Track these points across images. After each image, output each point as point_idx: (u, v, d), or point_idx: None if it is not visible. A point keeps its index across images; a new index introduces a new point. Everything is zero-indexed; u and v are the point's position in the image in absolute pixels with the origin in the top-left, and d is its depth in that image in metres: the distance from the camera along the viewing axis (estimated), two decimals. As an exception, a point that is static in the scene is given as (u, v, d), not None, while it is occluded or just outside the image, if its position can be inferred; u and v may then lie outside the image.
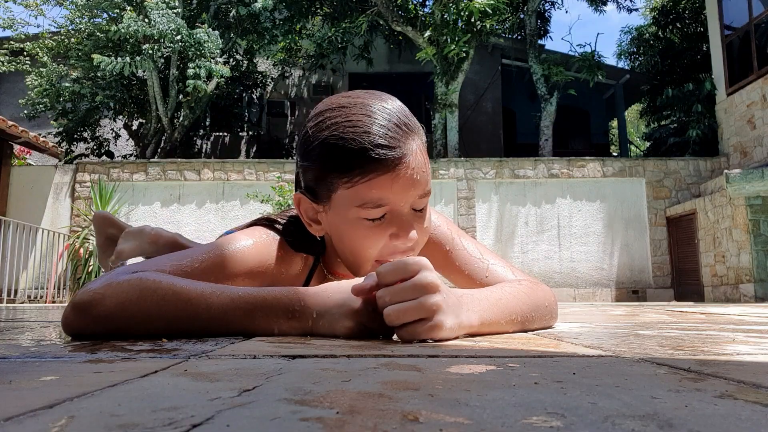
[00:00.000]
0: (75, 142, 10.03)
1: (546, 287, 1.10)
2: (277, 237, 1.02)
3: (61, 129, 9.73)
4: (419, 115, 13.19)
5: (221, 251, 0.95)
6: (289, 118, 12.92)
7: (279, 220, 1.07)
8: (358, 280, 0.82)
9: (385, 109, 0.90)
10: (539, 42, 11.03)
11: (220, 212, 8.15)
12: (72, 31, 10.09)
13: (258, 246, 0.99)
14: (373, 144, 0.86)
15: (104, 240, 1.75)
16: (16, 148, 8.60)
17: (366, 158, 0.85)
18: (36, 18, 15.14)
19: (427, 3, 10.59)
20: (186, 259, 0.92)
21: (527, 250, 8.11)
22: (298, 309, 0.83)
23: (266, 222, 1.06)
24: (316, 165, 0.92)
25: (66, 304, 1.04)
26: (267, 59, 11.52)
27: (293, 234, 1.04)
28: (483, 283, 1.07)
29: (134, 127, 10.61)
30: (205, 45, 8.54)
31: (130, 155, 10.51)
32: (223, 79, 9.43)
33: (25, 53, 10.42)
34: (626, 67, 13.03)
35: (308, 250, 1.05)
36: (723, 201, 6.81)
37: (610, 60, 16.67)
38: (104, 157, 10.01)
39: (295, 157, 1.01)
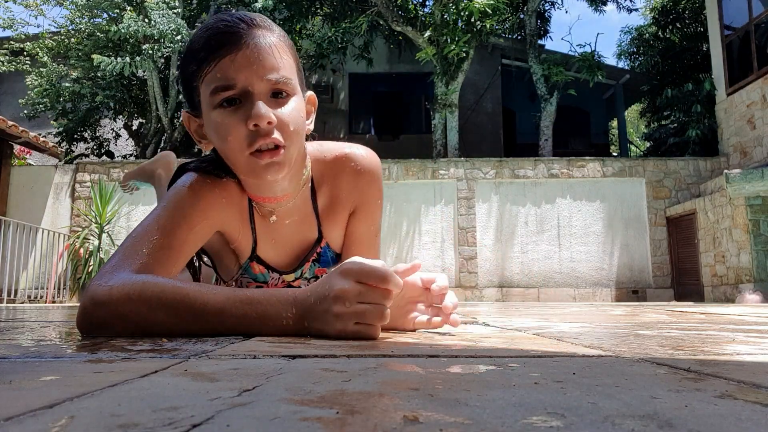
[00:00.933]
0: (75, 142, 10.03)
1: None
2: (197, 174, 1.05)
3: (61, 129, 9.72)
4: (419, 115, 13.21)
5: (164, 219, 0.98)
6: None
7: (189, 161, 1.11)
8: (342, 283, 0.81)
9: (235, 14, 0.97)
10: (539, 42, 11.03)
11: (220, 212, 8.14)
12: (72, 31, 10.10)
13: (187, 189, 1.02)
14: (213, 35, 0.93)
15: (143, 171, 2.09)
16: (16, 148, 8.60)
17: (209, 48, 0.92)
18: (36, 18, 15.15)
19: (427, 3, 10.59)
20: (144, 248, 0.94)
21: (527, 250, 8.11)
22: (291, 312, 0.84)
23: (180, 171, 1.10)
24: (181, 77, 1.00)
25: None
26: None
27: (212, 164, 1.07)
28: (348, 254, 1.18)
29: (134, 127, 10.61)
30: (205, 45, 8.53)
31: (131, 155, 10.50)
32: (223, 79, 9.43)
33: (25, 53, 10.43)
34: (626, 67, 13.03)
35: (232, 174, 1.08)
36: (723, 201, 6.81)
37: (610, 60, 16.68)
38: (104, 157, 10.01)
39: None
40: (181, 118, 1.12)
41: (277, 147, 0.93)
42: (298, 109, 0.98)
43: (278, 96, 0.95)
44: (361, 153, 1.17)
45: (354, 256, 1.12)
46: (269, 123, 0.91)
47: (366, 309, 0.78)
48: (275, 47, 0.95)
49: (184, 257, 1.00)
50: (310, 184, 1.14)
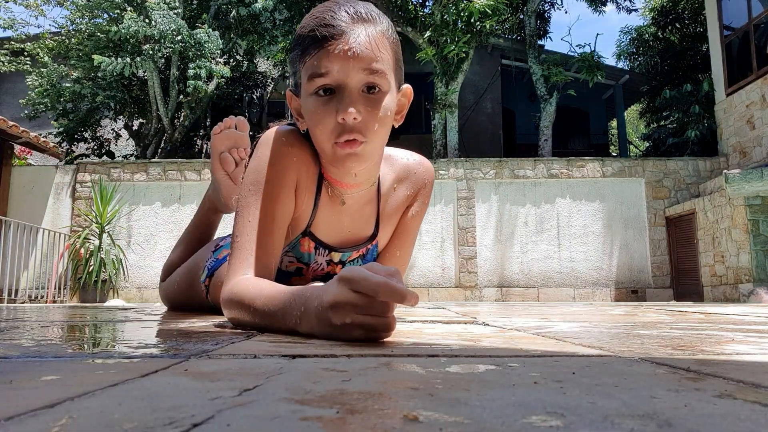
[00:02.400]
0: (75, 143, 10.02)
1: None
2: (286, 127, 1.16)
3: (61, 129, 9.72)
4: (419, 115, 13.20)
5: (259, 163, 1.10)
6: (290, 118, 12.92)
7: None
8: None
9: (343, 3, 1.02)
10: (539, 42, 11.03)
11: (220, 212, 8.13)
12: (72, 32, 10.09)
13: (276, 135, 1.12)
14: (318, 25, 0.99)
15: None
16: (17, 148, 8.60)
17: (312, 37, 0.98)
18: (36, 18, 15.15)
19: (427, 3, 10.59)
20: (247, 243, 1.05)
21: (527, 250, 8.11)
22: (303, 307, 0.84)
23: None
24: (288, 57, 1.07)
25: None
26: (267, 60, 11.52)
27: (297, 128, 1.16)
28: (388, 258, 1.31)
29: (135, 128, 10.61)
30: (206, 45, 8.54)
31: (131, 155, 10.50)
32: (223, 79, 9.43)
33: (25, 53, 10.43)
34: (626, 68, 13.03)
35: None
36: (722, 201, 6.81)
37: (610, 60, 16.70)
38: (105, 158, 10.01)
39: None
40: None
41: (356, 140, 1.00)
42: (387, 106, 1.03)
43: (371, 90, 1.00)
44: (428, 164, 1.30)
45: (390, 255, 1.26)
46: (355, 119, 0.97)
47: (369, 321, 0.75)
48: (375, 42, 1.00)
49: (281, 228, 1.09)
50: (377, 183, 1.22)
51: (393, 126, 1.10)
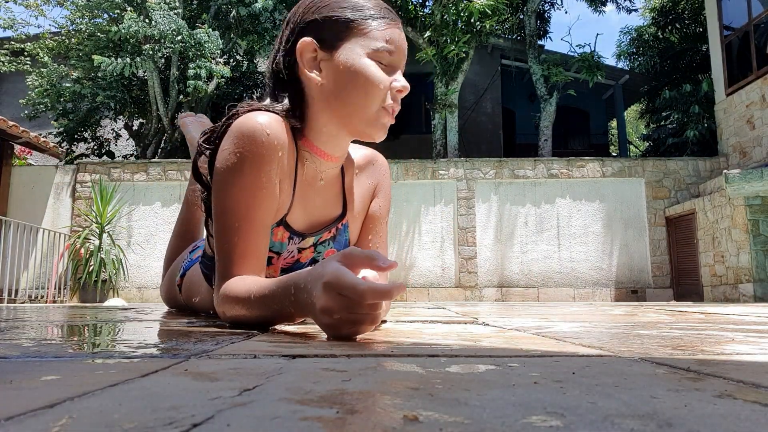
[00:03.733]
0: (75, 143, 10.02)
1: None
2: (267, 114, 1.09)
3: (61, 129, 9.72)
4: (419, 115, 13.21)
5: (233, 147, 1.05)
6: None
7: (255, 104, 1.14)
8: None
9: None
10: (539, 42, 11.03)
11: (220, 212, 8.13)
12: (72, 32, 10.09)
13: (255, 125, 1.06)
14: (383, 6, 1.10)
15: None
16: (17, 148, 8.60)
17: (383, 12, 1.08)
18: (36, 18, 15.15)
19: (427, 3, 10.59)
20: (230, 249, 1.04)
21: (527, 250, 8.11)
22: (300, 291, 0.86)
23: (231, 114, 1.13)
24: (333, 15, 1.07)
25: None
26: (267, 59, 11.51)
27: (273, 110, 1.12)
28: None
29: (135, 128, 10.61)
30: (206, 45, 8.54)
31: (131, 155, 10.50)
32: (223, 79, 9.43)
33: (25, 53, 10.42)
34: (626, 68, 13.04)
35: (291, 123, 1.13)
36: (722, 201, 6.81)
37: (610, 60, 16.70)
38: (105, 157, 10.01)
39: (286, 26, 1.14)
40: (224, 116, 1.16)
41: (394, 111, 1.10)
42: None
43: None
44: (383, 158, 1.38)
45: (367, 240, 1.28)
46: (402, 98, 1.11)
47: (355, 317, 0.78)
48: None
49: (264, 229, 1.07)
50: (340, 164, 1.24)
51: None
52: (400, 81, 1.08)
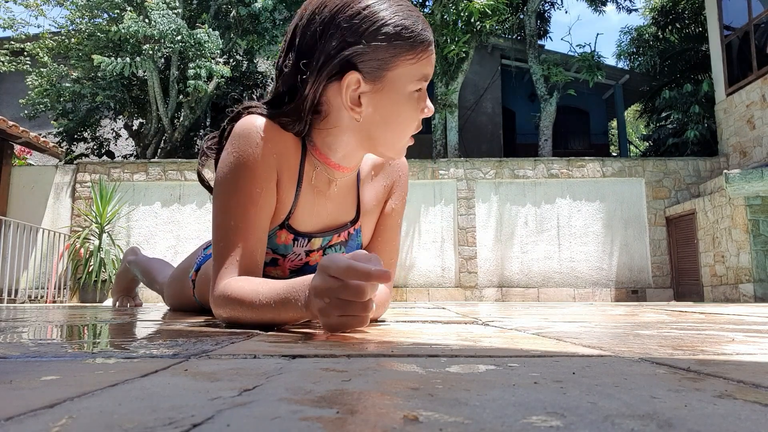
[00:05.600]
0: (75, 142, 10.02)
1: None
2: (263, 118, 1.07)
3: (61, 129, 9.72)
4: (419, 115, 13.19)
5: (229, 165, 1.05)
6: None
7: (256, 106, 1.12)
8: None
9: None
10: (539, 42, 11.04)
11: (220, 212, 8.13)
12: (72, 32, 10.09)
13: (253, 130, 1.05)
14: (424, 28, 1.02)
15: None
16: (17, 148, 8.60)
17: (424, 36, 1.01)
18: (36, 18, 15.14)
19: (427, 3, 10.59)
20: (226, 249, 1.04)
21: (527, 250, 8.11)
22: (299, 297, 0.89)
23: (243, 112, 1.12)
24: (380, 43, 0.98)
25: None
26: (267, 59, 11.51)
27: (275, 115, 1.09)
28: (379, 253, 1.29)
29: (135, 127, 10.61)
30: (206, 45, 8.54)
31: (131, 155, 10.50)
32: (223, 79, 9.43)
33: (25, 53, 10.42)
34: (626, 68, 13.04)
35: (293, 131, 1.10)
36: (722, 201, 6.81)
37: (610, 60, 16.71)
38: (105, 157, 10.01)
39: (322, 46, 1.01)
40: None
41: None
42: None
43: None
44: (403, 158, 1.33)
45: (377, 244, 1.27)
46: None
47: (344, 303, 0.80)
48: None
49: (264, 228, 1.07)
50: (357, 170, 1.22)
51: None
52: (429, 107, 1.06)
